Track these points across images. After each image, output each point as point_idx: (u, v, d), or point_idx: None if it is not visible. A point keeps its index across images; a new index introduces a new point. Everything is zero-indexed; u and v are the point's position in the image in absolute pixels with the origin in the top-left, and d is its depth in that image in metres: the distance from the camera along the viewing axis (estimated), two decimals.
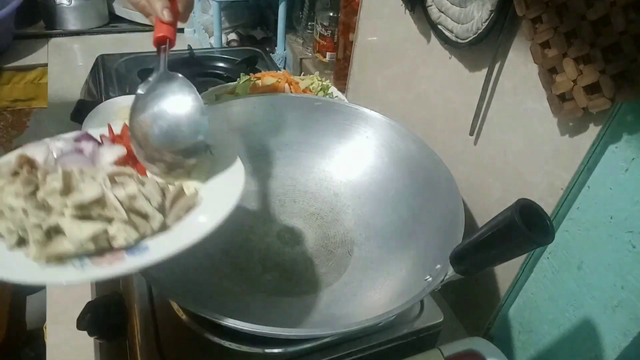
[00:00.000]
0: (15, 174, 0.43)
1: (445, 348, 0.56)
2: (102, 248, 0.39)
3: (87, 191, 0.40)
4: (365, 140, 0.73)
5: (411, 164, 0.68)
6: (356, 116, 0.74)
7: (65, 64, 1.25)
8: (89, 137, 0.52)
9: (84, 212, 0.40)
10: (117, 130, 0.54)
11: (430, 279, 0.53)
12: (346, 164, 0.75)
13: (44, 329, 0.68)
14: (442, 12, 0.65)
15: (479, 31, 0.59)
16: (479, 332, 0.71)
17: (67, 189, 0.41)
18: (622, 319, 0.51)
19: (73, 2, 1.31)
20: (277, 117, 0.75)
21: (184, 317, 0.54)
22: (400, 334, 0.57)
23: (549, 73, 0.52)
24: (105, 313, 0.56)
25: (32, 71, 1.25)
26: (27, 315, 1.22)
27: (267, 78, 0.90)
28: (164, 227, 0.43)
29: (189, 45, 1.18)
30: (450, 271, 0.49)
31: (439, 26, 0.67)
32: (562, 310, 0.58)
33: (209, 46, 1.30)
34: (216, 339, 0.50)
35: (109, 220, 0.40)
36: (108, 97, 0.97)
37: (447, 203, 0.61)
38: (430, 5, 0.68)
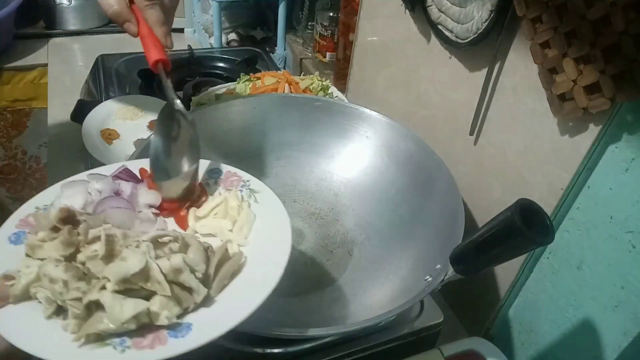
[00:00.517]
0: (55, 228, 0.41)
1: (445, 348, 0.56)
2: (142, 324, 0.38)
3: (131, 261, 0.38)
4: (365, 140, 0.73)
5: (411, 164, 0.68)
6: (356, 116, 0.74)
7: (65, 64, 1.25)
8: (128, 175, 0.50)
9: (125, 286, 0.38)
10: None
11: (430, 279, 0.53)
12: (346, 164, 0.75)
13: None
14: (442, 12, 0.65)
15: (479, 31, 0.59)
16: (479, 332, 0.71)
17: (109, 256, 0.39)
18: (622, 319, 0.51)
19: (73, 2, 1.31)
20: (277, 117, 0.75)
21: None
22: (400, 334, 0.57)
23: (549, 73, 0.52)
24: None
25: (32, 71, 1.25)
26: None
27: (267, 78, 0.90)
28: (207, 300, 0.41)
29: (189, 45, 1.17)
30: (450, 271, 0.49)
31: (439, 26, 0.67)
32: (562, 310, 0.58)
33: (209, 46, 1.30)
34: None
35: (151, 294, 0.39)
36: (108, 97, 0.97)
37: (447, 203, 0.61)
38: (430, 5, 0.68)
